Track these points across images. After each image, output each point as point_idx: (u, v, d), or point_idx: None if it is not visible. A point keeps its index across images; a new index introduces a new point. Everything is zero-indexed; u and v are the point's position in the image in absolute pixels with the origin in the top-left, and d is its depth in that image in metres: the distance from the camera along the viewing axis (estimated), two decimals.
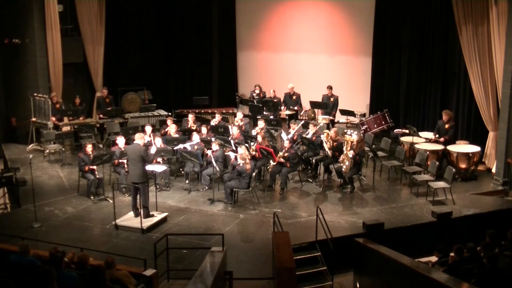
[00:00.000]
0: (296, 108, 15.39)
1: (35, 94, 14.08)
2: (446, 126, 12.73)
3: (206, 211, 10.85)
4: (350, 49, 16.36)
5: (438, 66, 14.42)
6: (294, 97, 15.38)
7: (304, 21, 16.64)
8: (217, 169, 11.57)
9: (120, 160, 11.47)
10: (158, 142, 12.04)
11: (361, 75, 16.16)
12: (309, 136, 12.59)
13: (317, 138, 12.41)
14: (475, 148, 12.41)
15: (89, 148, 11.53)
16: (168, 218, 10.47)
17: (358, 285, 9.14)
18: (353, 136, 11.41)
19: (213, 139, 12.22)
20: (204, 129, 12.73)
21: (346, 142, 11.51)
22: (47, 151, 13.63)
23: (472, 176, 12.37)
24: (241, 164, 10.87)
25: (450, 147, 12.45)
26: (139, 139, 10.28)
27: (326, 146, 11.96)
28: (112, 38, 16.31)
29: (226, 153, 11.97)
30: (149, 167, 10.40)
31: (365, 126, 14.41)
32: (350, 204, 11.15)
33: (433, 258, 8.23)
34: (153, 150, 11.30)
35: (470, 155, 12.21)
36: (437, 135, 12.87)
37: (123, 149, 11.51)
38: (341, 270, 9.44)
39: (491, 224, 9.00)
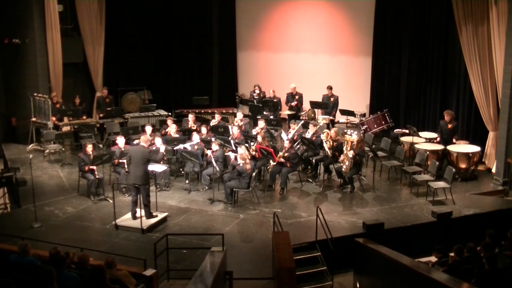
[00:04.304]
0: (295, 103, 15.32)
1: (35, 94, 14.08)
2: (449, 126, 12.71)
3: (206, 211, 10.85)
4: (350, 49, 16.36)
5: (438, 66, 14.42)
6: (296, 97, 15.38)
7: (304, 21, 16.65)
8: (217, 169, 11.57)
9: (120, 160, 11.47)
10: (158, 142, 12.04)
11: (361, 75, 16.16)
12: (309, 136, 12.59)
13: (317, 138, 12.42)
14: (475, 148, 12.40)
15: (89, 148, 11.53)
16: (168, 218, 10.47)
17: (358, 285, 9.14)
18: (353, 136, 11.41)
19: (213, 139, 12.23)
20: (204, 129, 12.73)
21: (346, 142, 11.51)
22: (47, 151, 13.63)
23: (472, 176, 12.37)
24: (241, 164, 10.87)
25: (450, 147, 12.44)
26: (145, 141, 10.27)
27: (326, 146, 11.96)
28: (112, 38, 16.31)
29: (226, 153, 11.97)
30: (149, 167, 10.39)
31: (365, 126, 14.42)
32: (350, 204, 11.15)
33: (433, 258, 8.25)
34: (162, 149, 11.23)
35: (470, 155, 12.21)
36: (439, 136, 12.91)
37: (123, 149, 11.52)
38: (341, 270, 9.44)
39: (491, 224, 9.01)
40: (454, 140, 12.65)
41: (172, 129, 12.81)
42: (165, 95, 17.20)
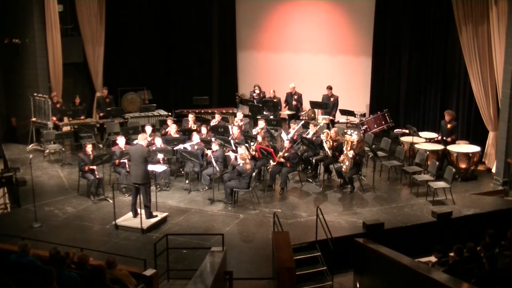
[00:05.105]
0: (294, 103, 15.34)
1: (35, 94, 14.08)
2: (448, 126, 12.71)
3: (206, 211, 10.85)
4: (350, 49, 16.36)
5: (438, 66, 14.42)
6: (295, 97, 15.38)
7: (304, 21, 16.65)
8: (217, 169, 11.57)
9: (122, 160, 11.48)
10: (158, 142, 12.05)
11: (361, 75, 16.16)
12: (309, 136, 12.59)
13: (317, 138, 12.42)
14: (475, 148, 12.40)
15: (89, 148, 11.54)
16: (168, 218, 10.47)
17: (358, 285, 9.13)
18: (353, 136, 11.41)
19: (213, 139, 12.23)
20: (204, 129, 12.73)
21: (346, 142, 11.52)
22: (47, 151, 13.63)
23: (472, 176, 12.37)
24: (241, 164, 10.87)
25: (450, 147, 12.44)
26: (142, 140, 10.29)
27: (326, 146, 11.96)
28: (112, 38, 16.31)
29: (226, 153, 11.97)
30: (149, 167, 10.40)
31: (365, 126, 14.42)
32: (350, 204, 11.15)
33: (433, 258, 8.25)
34: (160, 156, 11.29)
35: (470, 155, 12.21)
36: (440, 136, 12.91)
37: (123, 149, 11.52)
38: (341, 270, 9.44)
39: (491, 224, 9.01)
40: (449, 140, 12.63)
41: (172, 129, 12.81)
42: (165, 95, 17.19)
